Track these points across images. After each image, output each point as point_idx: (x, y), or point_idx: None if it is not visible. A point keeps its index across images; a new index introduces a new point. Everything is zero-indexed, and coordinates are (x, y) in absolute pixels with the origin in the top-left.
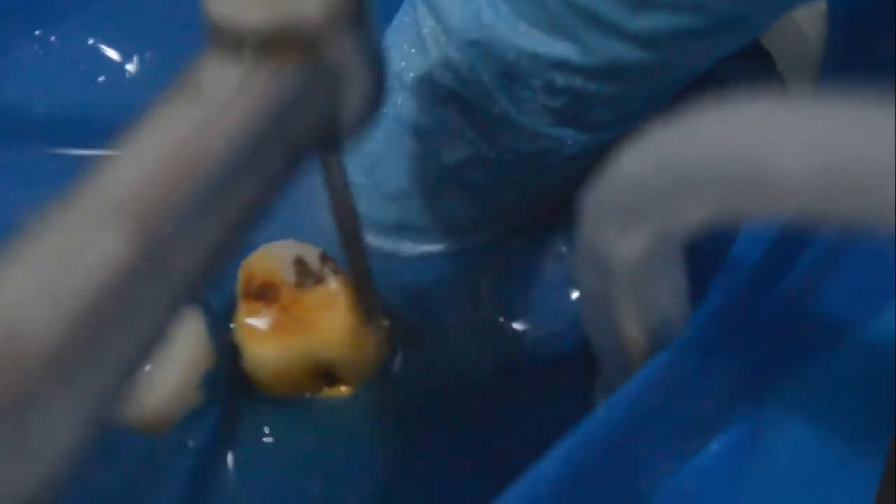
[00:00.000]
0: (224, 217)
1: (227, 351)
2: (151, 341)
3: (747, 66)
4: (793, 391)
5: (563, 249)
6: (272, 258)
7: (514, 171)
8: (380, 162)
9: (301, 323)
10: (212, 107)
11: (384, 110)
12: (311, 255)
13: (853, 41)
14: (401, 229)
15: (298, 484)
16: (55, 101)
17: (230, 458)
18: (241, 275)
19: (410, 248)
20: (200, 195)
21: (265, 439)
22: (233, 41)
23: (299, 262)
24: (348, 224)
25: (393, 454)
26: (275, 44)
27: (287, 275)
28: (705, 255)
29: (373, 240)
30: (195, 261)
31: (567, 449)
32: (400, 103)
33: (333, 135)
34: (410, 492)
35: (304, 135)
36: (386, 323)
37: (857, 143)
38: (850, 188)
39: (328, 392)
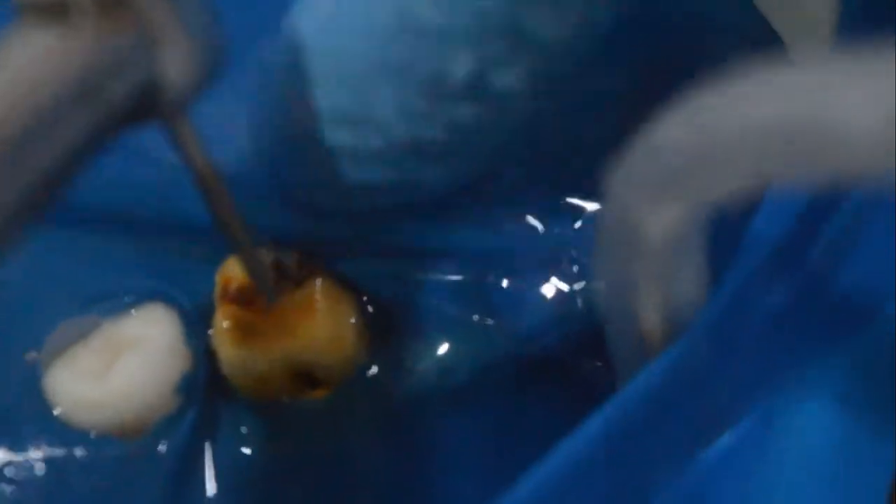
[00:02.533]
0: (25, 183)
1: (204, 355)
2: None
3: (756, 50)
4: (804, 384)
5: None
6: None
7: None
8: (377, 76)
9: (279, 326)
10: (15, 72)
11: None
12: (289, 258)
13: (865, 24)
14: (398, 156)
15: (277, 488)
16: None
17: (208, 462)
18: (218, 278)
19: (409, 172)
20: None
21: (244, 443)
22: (40, 8)
23: (277, 266)
24: (216, 196)
25: (373, 457)
26: (82, 10)
27: None
28: (720, 244)
29: (359, 174)
30: None
31: (578, 441)
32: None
33: (158, 101)
34: (393, 494)
35: (118, 100)
36: (364, 324)
37: None
38: None
39: (307, 395)
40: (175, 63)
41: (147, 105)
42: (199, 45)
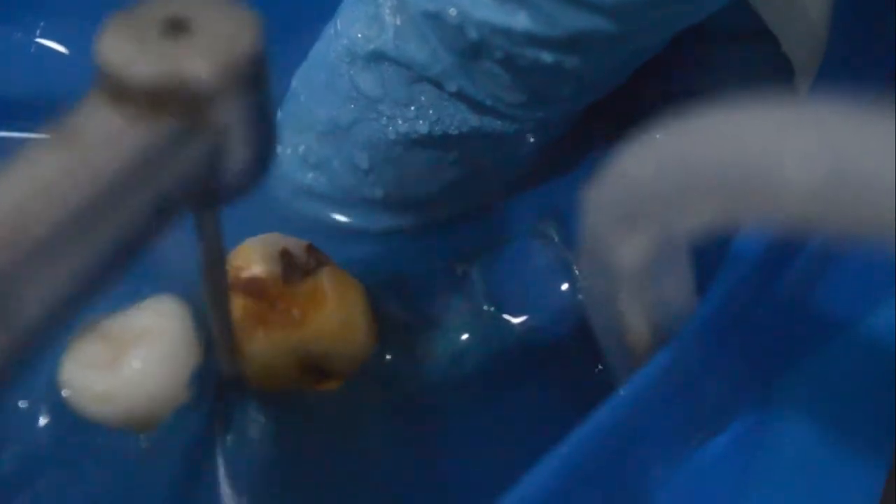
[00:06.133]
0: (81, 263)
1: (215, 347)
2: None
3: (751, 48)
4: (797, 387)
5: (554, 234)
6: (258, 252)
7: (461, 148)
8: (331, 132)
9: (289, 317)
10: (81, 152)
11: (341, 80)
12: (298, 247)
13: (859, 22)
14: (358, 203)
15: (289, 479)
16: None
17: (220, 453)
18: (227, 268)
19: (374, 221)
20: (57, 239)
21: (255, 435)
22: (116, 89)
23: (286, 255)
24: (217, 285)
25: (384, 448)
26: (156, 99)
27: (274, 268)
28: (708, 248)
29: (335, 215)
30: (41, 305)
31: (571, 446)
32: (354, 74)
33: (209, 194)
34: (403, 486)
35: (175, 191)
36: (374, 314)
37: (862, 155)
38: (852, 200)
39: (318, 386)
40: (233, 161)
41: (194, 197)
42: (258, 145)
